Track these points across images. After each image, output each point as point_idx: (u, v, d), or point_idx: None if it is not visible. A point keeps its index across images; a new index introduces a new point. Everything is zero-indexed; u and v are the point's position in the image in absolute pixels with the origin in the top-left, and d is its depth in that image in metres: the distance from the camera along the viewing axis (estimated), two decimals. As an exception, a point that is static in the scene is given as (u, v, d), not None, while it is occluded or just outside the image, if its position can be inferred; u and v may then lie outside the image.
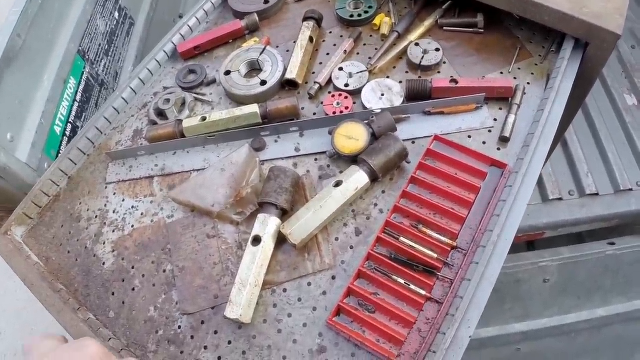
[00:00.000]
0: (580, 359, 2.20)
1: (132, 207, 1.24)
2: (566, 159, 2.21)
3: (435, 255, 0.99)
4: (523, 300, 2.10)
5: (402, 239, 1.02)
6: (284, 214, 1.10)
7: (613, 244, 2.12)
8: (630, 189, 2.10)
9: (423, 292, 0.96)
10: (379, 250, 1.03)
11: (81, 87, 1.90)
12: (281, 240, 1.08)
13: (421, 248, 1.00)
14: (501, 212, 0.99)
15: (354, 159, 1.12)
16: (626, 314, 2.17)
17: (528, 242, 2.41)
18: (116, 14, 2.27)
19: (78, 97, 1.87)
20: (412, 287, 0.97)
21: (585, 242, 2.19)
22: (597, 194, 2.09)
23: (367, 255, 1.01)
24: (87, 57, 1.97)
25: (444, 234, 1.02)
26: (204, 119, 1.25)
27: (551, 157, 2.01)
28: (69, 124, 1.76)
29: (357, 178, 1.07)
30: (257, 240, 1.05)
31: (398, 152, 1.08)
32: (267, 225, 1.05)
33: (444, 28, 1.38)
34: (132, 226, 1.21)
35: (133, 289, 1.13)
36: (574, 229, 2.15)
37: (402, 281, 0.98)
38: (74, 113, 1.81)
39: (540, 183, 2.12)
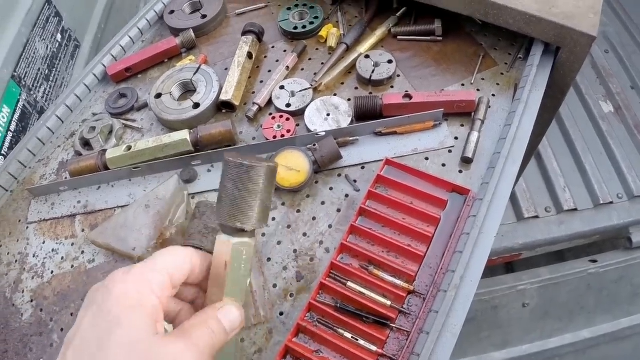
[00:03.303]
0: (566, 383, 2.08)
1: (53, 250, 1.09)
2: (541, 173, 2.10)
3: (389, 303, 0.84)
4: (502, 327, 1.98)
5: (349, 284, 0.87)
6: (214, 258, 0.94)
7: (595, 261, 2.03)
8: (611, 202, 2.00)
9: (374, 349, 0.80)
10: (322, 298, 0.87)
11: (16, 116, 1.73)
12: (211, 288, 0.92)
13: (372, 295, 0.85)
14: (464, 247, 0.84)
15: (295, 191, 0.98)
16: (612, 333, 2.08)
17: (505, 264, 2.28)
18: (59, 36, 2.11)
19: (12, 127, 1.70)
20: (362, 342, 0.81)
21: (565, 261, 2.07)
22: (575, 210, 1.98)
23: (308, 306, 0.85)
24: (24, 83, 1.81)
25: (398, 277, 0.87)
26: (129, 148, 1.11)
27: (525, 172, 1.89)
28: (0, 157, 1.60)
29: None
30: (181, 291, 0.89)
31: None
32: (192, 273, 0.89)
33: (398, 37, 1.24)
34: (52, 272, 1.06)
35: (51, 345, 0.98)
36: (552, 247, 2.03)
37: (349, 336, 0.82)
38: (7, 144, 1.64)
39: (514, 200, 2.00)
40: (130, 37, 1.41)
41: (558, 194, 2.00)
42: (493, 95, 1.12)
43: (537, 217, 1.97)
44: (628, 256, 2.03)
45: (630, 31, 2.58)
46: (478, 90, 1.13)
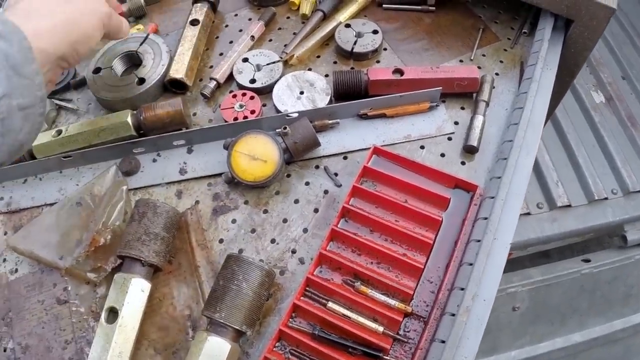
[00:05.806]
0: (555, 389, 1.95)
1: (-32, 257, 0.91)
2: (532, 167, 1.96)
3: (381, 329, 0.67)
4: (490, 332, 1.83)
5: (330, 304, 0.69)
6: (157, 271, 0.75)
7: (588, 260, 1.89)
8: (605, 198, 1.87)
9: (363, 390, 0.63)
10: (296, 323, 0.69)
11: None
12: (154, 308, 0.73)
13: (359, 318, 0.68)
14: (476, 258, 0.67)
15: (261, 186, 0.79)
16: (605, 336, 1.98)
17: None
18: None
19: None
20: (346, 381, 0.63)
21: (556, 261, 1.94)
22: (569, 206, 1.84)
23: (278, 334, 0.67)
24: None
25: (392, 295, 0.69)
26: (58, 132, 0.93)
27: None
28: None
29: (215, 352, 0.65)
30: (113, 313, 0.70)
31: (259, 284, 0.68)
32: (127, 291, 0.70)
33: (384, 5, 1.08)
34: (-31, 285, 0.88)
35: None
36: (544, 246, 1.89)
37: (330, 373, 0.64)
38: None
39: (503, 196, 1.86)
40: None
41: (551, 189, 1.86)
42: (496, 74, 0.97)
43: (528, 213, 1.83)
44: (622, 255, 1.93)
45: (620, 20, 2.49)
46: (479, 67, 0.97)
